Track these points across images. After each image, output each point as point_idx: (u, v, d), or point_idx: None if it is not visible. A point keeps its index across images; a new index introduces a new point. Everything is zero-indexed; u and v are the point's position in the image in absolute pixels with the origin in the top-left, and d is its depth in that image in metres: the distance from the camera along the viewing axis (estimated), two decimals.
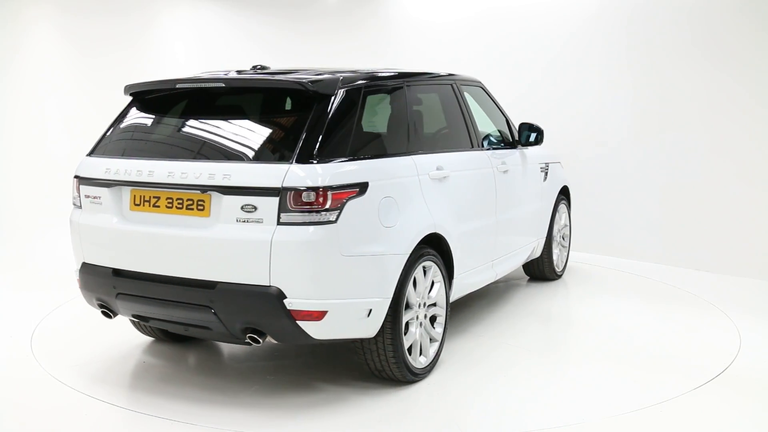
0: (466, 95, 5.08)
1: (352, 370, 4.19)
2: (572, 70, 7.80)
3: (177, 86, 3.95)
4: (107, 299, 3.89)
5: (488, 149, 5.04)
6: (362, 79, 3.93)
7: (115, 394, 3.92)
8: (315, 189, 3.36)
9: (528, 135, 5.42)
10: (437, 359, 4.24)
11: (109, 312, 3.98)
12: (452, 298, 4.48)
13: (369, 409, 3.72)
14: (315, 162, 3.43)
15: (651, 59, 7.18)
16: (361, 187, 3.55)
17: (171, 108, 4.07)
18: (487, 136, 5.31)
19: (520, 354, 4.56)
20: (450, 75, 5.00)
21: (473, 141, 4.89)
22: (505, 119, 5.52)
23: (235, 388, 4.00)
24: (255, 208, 3.40)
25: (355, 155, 3.65)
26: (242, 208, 3.42)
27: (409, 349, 3.96)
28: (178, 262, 3.60)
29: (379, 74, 4.21)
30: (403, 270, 3.78)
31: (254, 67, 4.35)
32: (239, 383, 4.06)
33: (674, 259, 7.01)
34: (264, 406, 3.77)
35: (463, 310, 5.41)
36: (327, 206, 3.39)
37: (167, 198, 3.64)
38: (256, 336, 3.55)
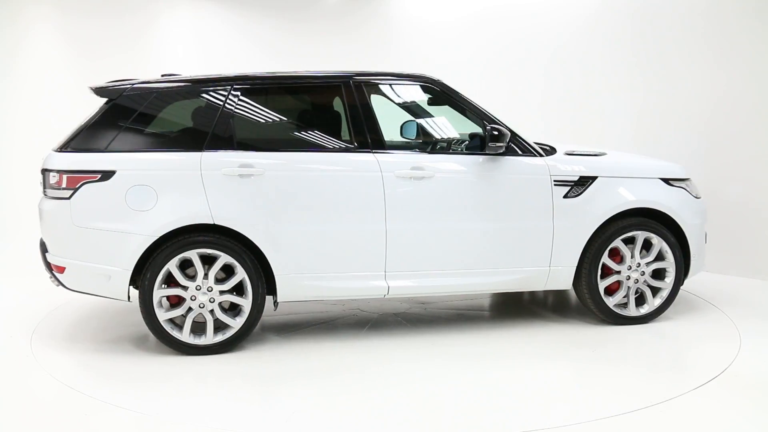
0: (393, 96, 5.05)
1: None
2: (574, 69, 7.79)
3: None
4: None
5: (391, 152, 4.70)
6: (161, 86, 4.62)
7: (115, 394, 3.92)
8: (57, 171, 4.39)
9: (483, 140, 4.79)
10: (235, 342, 4.54)
11: None
12: (288, 297, 4.63)
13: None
14: (66, 151, 4.44)
15: (653, 59, 7.17)
16: (105, 174, 4.36)
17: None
18: (440, 140, 5.19)
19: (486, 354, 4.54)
20: (343, 75, 4.79)
21: (355, 142, 4.67)
22: (482, 121, 4.84)
23: (241, 389, 4.00)
24: (42, 184, 4.55)
25: (114, 149, 4.43)
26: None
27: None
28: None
29: (189, 80, 4.68)
30: (149, 249, 4.40)
31: (162, 75, 4.83)
32: (244, 385, 4.06)
33: None
34: (263, 408, 3.76)
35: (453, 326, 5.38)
36: (63, 186, 4.37)
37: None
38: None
